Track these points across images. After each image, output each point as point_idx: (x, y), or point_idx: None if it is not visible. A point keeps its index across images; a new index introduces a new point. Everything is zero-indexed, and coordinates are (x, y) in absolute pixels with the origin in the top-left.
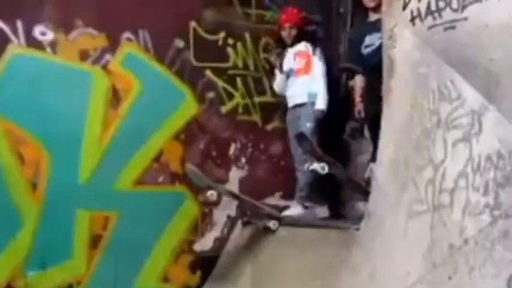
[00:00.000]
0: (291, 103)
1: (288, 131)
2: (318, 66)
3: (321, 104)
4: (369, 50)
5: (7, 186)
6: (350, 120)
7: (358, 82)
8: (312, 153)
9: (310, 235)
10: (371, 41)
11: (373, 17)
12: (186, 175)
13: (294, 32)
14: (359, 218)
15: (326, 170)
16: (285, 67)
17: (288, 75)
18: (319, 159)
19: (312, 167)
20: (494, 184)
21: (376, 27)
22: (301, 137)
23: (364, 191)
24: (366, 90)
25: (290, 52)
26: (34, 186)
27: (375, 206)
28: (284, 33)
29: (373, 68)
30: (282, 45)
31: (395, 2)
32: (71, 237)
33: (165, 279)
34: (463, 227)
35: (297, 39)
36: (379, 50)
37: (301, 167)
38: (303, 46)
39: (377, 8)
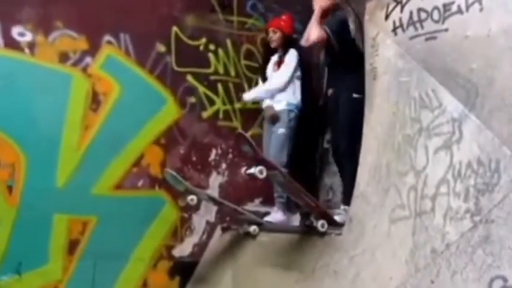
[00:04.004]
0: (267, 112)
1: (263, 138)
2: (286, 66)
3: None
4: None
5: None
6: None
7: None
8: (252, 156)
9: (291, 240)
10: None
11: None
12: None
13: (278, 35)
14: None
15: (264, 174)
16: (268, 74)
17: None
18: (258, 162)
19: (249, 171)
20: (474, 190)
21: None
22: (240, 136)
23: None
24: None
25: (272, 60)
26: (10, 189)
27: (357, 211)
28: (269, 36)
29: None
30: (269, 51)
31: (377, 11)
32: (47, 241)
33: (144, 285)
34: (445, 232)
35: (283, 46)
36: None
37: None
38: (276, 57)
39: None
